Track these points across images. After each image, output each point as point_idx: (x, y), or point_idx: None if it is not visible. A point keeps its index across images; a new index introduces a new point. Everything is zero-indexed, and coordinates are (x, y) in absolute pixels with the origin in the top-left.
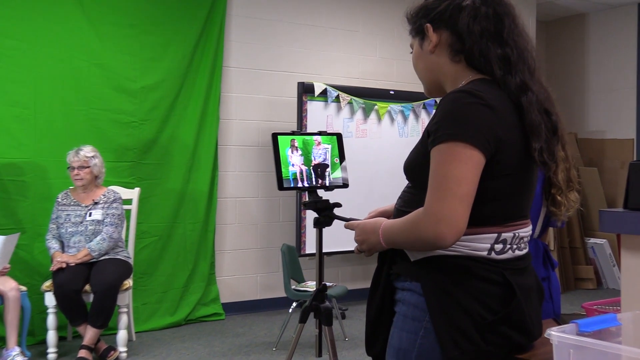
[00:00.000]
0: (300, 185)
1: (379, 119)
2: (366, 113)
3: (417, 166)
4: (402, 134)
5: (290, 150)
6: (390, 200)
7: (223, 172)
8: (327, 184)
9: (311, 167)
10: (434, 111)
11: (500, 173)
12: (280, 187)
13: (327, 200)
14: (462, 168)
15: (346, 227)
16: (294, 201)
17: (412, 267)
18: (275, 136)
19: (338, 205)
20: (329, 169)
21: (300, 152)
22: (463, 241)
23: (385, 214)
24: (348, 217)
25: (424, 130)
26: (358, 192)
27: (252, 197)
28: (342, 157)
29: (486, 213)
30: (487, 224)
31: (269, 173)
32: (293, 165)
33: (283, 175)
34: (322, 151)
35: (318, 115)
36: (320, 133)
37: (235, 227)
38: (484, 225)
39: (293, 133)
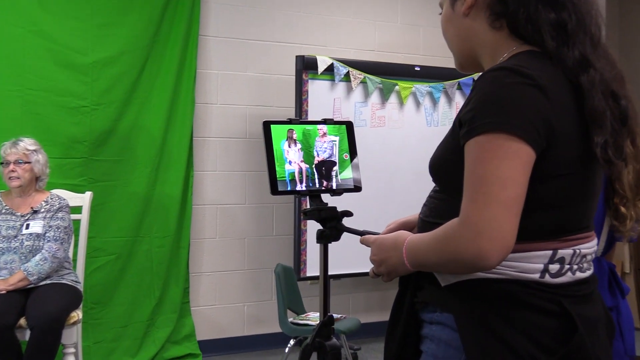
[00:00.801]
0: (299, 188)
1: (401, 103)
2: (384, 95)
3: (445, 164)
4: (430, 122)
5: (286, 143)
6: (415, 209)
7: (200, 172)
8: (334, 187)
9: (314, 166)
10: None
11: (555, 173)
12: (274, 190)
13: (334, 208)
14: (507, 166)
15: (361, 242)
16: (292, 209)
17: (443, 293)
18: (267, 125)
19: (348, 214)
20: (336, 168)
21: (299, 145)
22: (509, 260)
23: (408, 226)
24: (361, 229)
25: (455, 119)
26: (374, 197)
27: (238, 203)
28: (353, 153)
29: (538, 224)
30: (540, 238)
31: (260, 173)
32: (290, 162)
33: (277, 176)
34: (327, 145)
35: (322, 98)
36: (325, 121)
37: (216, 242)
38: (536, 239)
39: (290, 121)
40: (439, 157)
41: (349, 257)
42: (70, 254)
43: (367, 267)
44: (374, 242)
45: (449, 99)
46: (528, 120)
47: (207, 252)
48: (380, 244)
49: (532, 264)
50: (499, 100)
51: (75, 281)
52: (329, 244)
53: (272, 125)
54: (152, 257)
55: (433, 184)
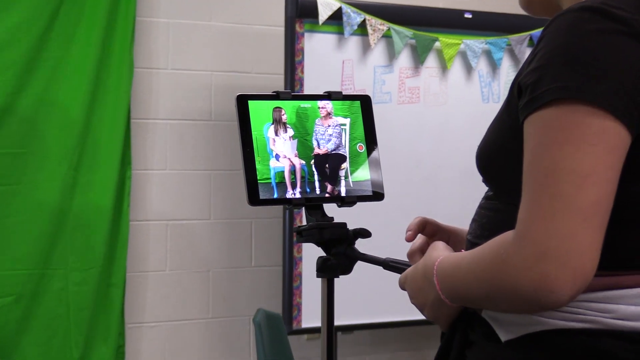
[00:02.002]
0: (291, 195)
1: (444, 67)
2: (419, 56)
3: (499, 155)
4: (488, 96)
5: (272, 128)
6: (464, 225)
7: (141, 172)
8: (344, 194)
9: (313, 162)
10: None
11: None
12: (254, 199)
13: (343, 225)
14: (587, 154)
15: (400, 285)
16: (279, 227)
17: (504, 352)
18: (243, 102)
19: (364, 234)
20: (346, 165)
21: (291, 132)
22: (598, 301)
23: (446, 234)
24: (385, 257)
25: (512, 84)
26: (402, 208)
27: (199, 218)
28: (371, 143)
29: (634, 245)
30: (637, 265)
31: (232, 173)
32: (278, 157)
33: (258, 177)
34: (333, 131)
35: (326, 61)
36: (330, 96)
37: (166, 277)
38: (630, 269)
39: (278, 95)
40: (489, 145)
41: (367, 298)
42: None
43: (394, 314)
44: (405, 279)
45: (516, 62)
46: (620, 86)
47: (153, 292)
48: (412, 277)
49: (629, 305)
50: (578, 55)
51: None
52: (336, 279)
53: (250, 102)
54: (68, 299)
55: (485, 187)
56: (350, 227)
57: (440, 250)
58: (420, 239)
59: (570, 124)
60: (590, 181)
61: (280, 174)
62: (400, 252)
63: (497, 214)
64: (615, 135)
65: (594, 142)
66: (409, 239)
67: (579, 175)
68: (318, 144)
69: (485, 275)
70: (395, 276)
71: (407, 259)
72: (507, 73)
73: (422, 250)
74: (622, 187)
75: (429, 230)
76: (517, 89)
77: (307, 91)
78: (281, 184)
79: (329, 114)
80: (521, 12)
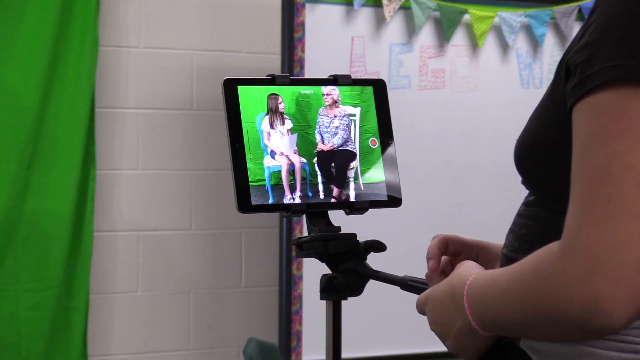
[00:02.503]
0: (289, 200)
1: (475, 45)
2: (444, 31)
3: (542, 148)
4: (528, 80)
5: (266, 119)
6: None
7: (108, 172)
8: (353, 198)
9: (315, 160)
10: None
11: None
12: (244, 205)
13: (352, 237)
14: None
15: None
16: (275, 239)
17: None
18: (232, 87)
19: (378, 247)
20: (355, 164)
21: (290, 123)
22: None
23: (474, 251)
24: (403, 275)
25: (559, 63)
26: (424, 216)
27: (177, 229)
28: (386, 137)
29: None
30: None
31: (217, 174)
32: (274, 154)
33: (250, 178)
34: (340, 122)
35: (331, 37)
36: (336, 80)
37: (138, 300)
38: None
39: (274, 80)
40: (530, 138)
41: (381, 325)
42: None
43: (412, 344)
44: (425, 301)
45: (562, 38)
46: None
47: (122, 318)
48: (435, 299)
49: None
50: (635, 26)
51: None
52: (344, 302)
53: (240, 88)
54: (20, 327)
55: (525, 191)
56: (361, 238)
57: (472, 269)
58: (437, 241)
59: (628, 110)
60: None
61: (277, 174)
62: (421, 268)
63: (539, 223)
64: None
65: None
66: (434, 270)
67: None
68: (322, 139)
69: (525, 295)
70: (415, 299)
71: (423, 280)
72: (551, 52)
73: (444, 272)
74: None
75: (453, 248)
76: (565, 69)
77: (308, 75)
78: (277, 187)
79: (335, 103)
80: None
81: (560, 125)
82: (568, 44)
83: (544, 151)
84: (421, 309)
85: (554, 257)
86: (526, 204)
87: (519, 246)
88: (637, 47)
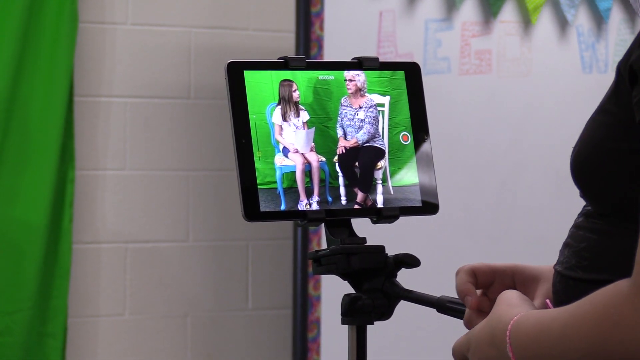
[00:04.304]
0: (305, 207)
1: (527, 21)
2: (490, 5)
3: (604, 159)
4: (591, 63)
5: (278, 110)
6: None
7: (90, 173)
8: (380, 204)
9: (336, 159)
10: None
11: None
12: (252, 212)
13: (380, 250)
14: None
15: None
16: (289, 252)
17: None
18: (236, 71)
19: (411, 261)
20: (384, 163)
21: (306, 115)
22: None
23: (507, 276)
24: (440, 296)
25: (622, 63)
26: (467, 225)
27: (172, 240)
28: (420, 131)
29: None
30: None
31: (219, 175)
32: (287, 152)
33: (258, 181)
34: (366, 114)
35: (355, 12)
36: (361, 64)
37: (125, 325)
38: None
39: (287, 63)
40: (589, 146)
41: (415, 354)
42: None
43: None
44: (468, 346)
45: (632, 14)
46: None
47: (106, 346)
48: (476, 345)
49: None
50: None
51: None
52: (370, 326)
53: (247, 72)
54: None
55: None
56: (390, 252)
57: (514, 306)
58: (464, 272)
59: None
60: None
61: (290, 175)
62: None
63: (602, 237)
64: None
65: None
66: (475, 307)
67: None
68: (344, 134)
69: (588, 345)
70: (455, 322)
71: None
72: (619, 30)
73: (482, 310)
74: None
75: (483, 279)
76: (629, 73)
77: (328, 57)
78: (291, 191)
79: (360, 90)
80: None
81: (627, 133)
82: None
83: (606, 162)
84: (462, 355)
85: (623, 300)
86: (585, 214)
87: (577, 263)
88: None
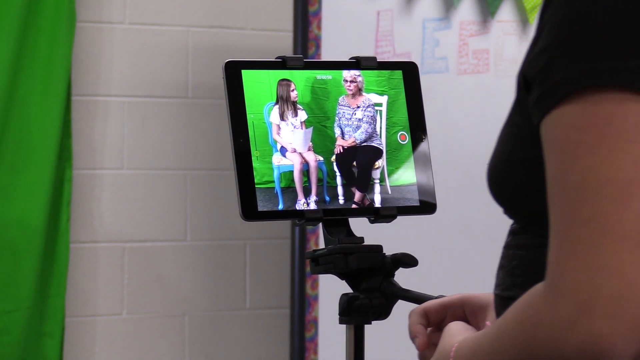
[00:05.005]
0: (301, 205)
1: (524, 20)
2: (488, 5)
3: (518, 170)
4: None
5: (276, 110)
6: None
7: (86, 171)
8: (378, 203)
9: (334, 158)
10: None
11: None
12: (249, 211)
13: (378, 250)
14: (628, 154)
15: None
16: (287, 251)
17: None
18: (234, 70)
19: (407, 261)
20: (382, 162)
21: (304, 114)
22: None
23: (458, 307)
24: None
25: (518, 76)
26: (464, 224)
27: (170, 239)
28: (417, 130)
29: None
30: None
31: (217, 174)
32: (284, 151)
33: (256, 180)
34: (364, 113)
35: (353, 11)
36: (359, 63)
37: (122, 323)
38: None
39: (284, 62)
40: (502, 159)
41: (412, 353)
42: None
43: None
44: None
45: None
46: None
47: (103, 345)
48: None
49: None
50: (601, 21)
51: None
52: (368, 326)
53: (244, 72)
54: None
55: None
56: (388, 251)
57: (454, 336)
58: (416, 316)
59: (599, 118)
60: (637, 191)
61: (288, 175)
62: (459, 285)
63: (530, 251)
64: None
65: (634, 138)
66: (424, 347)
67: (620, 185)
68: (342, 133)
69: (515, 351)
70: None
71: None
72: None
73: (435, 345)
74: None
75: (435, 317)
76: (524, 80)
77: (326, 56)
78: (289, 190)
79: (358, 90)
80: None
81: (533, 142)
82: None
83: (518, 174)
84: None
85: (539, 300)
86: (512, 232)
87: (512, 282)
88: (599, 46)
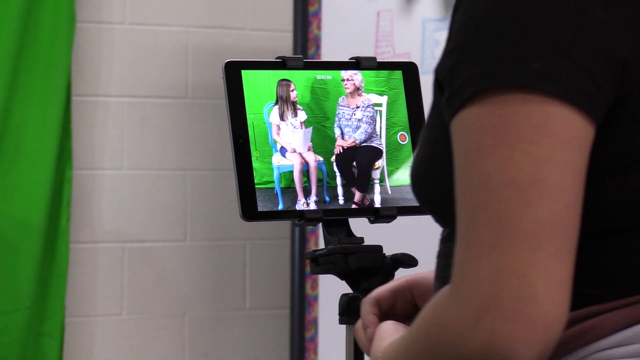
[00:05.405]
0: (301, 206)
1: None
2: None
3: (440, 174)
4: None
5: (276, 110)
6: None
7: (86, 172)
8: (378, 204)
9: (334, 159)
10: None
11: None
12: (249, 212)
13: (377, 250)
14: (528, 155)
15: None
16: (287, 252)
17: None
18: (234, 71)
19: (407, 261)
20: (382, 163)
21: (304, 115)
22: (614, 346)
23: (407, 292)
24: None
25: (434, 78)
26: None
27: (170, 239)
28: (417, 130)
29: (619, 266)
30: (612, 295)
31: (217, 174)
32: (284, 152)
33: (256, 180)
34: (363, 113)
35: (353, 11)
36: (359, 63)
37: (121, 323)
38: (596, 300)
39: (284, 63)
40: (422, 166)
41: None
42: None
43: None
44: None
45: None
46: (567, 57)
47: (103, 345)
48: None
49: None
50: (505, 23)
51: None
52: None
53: (244, 72)
54: None
55: None
56: (388, 251)
57: (383, 339)
58: (374, 296)
59: (501, 120)
60: (537, 192)
61: (288, 175)
62: None
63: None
64: (568, 125)
65: (535, 139)
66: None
67: (521, 186)
68: (342, 133)
69: (426, 353)
70: None
71: None
72: None
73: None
74: (591, 191)
75: (386, 305)
76: (437, 82)
77: (325, 57)
78: (289, 190)
79: (357, 90)
80: None
81: (450, 145)
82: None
83: (439, 177)
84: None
85: (445, 302)
86: (442, 240)
87: (439, 279)
88: (501, 48)
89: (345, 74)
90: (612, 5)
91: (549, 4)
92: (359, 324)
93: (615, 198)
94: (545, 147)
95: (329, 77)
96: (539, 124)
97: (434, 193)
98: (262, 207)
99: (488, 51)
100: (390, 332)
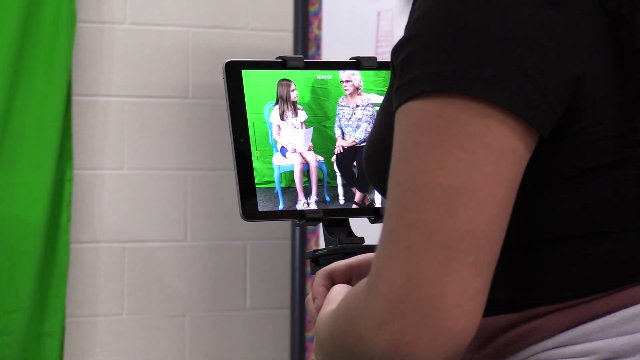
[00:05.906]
0: (302, 206)
1: None
2: None
3: (387, 158)
4: None
5: (276, 110)
6: None
7: (88, 172)
8: (378, 203)
9: (334, 158)
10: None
11: (585, 166)
12: (250, 211)
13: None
14: (461, 162)
15: None
16: (287, 252)
17: None
18: (234, 71)
19: None
20: None
21: (304, 114)
22: (561, 345)
23: (364, 267)
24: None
25: (391, 59)
26: None
27: (170, 240)
28: None
29: (552, 270)
30: (556, 298)
31: (218, 174)
32: (285, 152)
33: (256, 180)
34: (363, 113)
35: (353, 11)
36: (359, 63)
37: (122, 323)
38: (542, 302)
39: (285, 63)
40: (372, 150)
41: None
42: None
43: None
44: None
45: None
46: (517, 67)
47: (104, 345)
48: None
49: (626, 336)
50: (461, 23)
51: None
52: None
53: (245, 72)
54: None
55: None
56: None
57: (332, 303)
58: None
59: (440, 122)
60: (464, 201)
61: (288, 175)
62: None
63: None
64: (506, 137)
65: (471, 148)
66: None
67: (448, 192)
68: (342, 133)
69: (338, 338)
70: None
71: None
72: None
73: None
74: (527, 197)
75: (340, 279)
76: (392, 66)
77: (326, 56)
78: (289, 190)
79: (356, 90)
80: None
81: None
82: None
83: (389, 160)
84: None
85: (359, 296)
86: None
87: None
88: (454, 49)
89: (343, 75)
90: (567, 21)
91: (506, 16)
92: (309, 296)
93: (567, 207)
94: (479, 156)
95: (329, 77)
96: (477, 133)
97: (383, 176)
98: (262, 207)
99: (440, 52)
100: (340, 296)
